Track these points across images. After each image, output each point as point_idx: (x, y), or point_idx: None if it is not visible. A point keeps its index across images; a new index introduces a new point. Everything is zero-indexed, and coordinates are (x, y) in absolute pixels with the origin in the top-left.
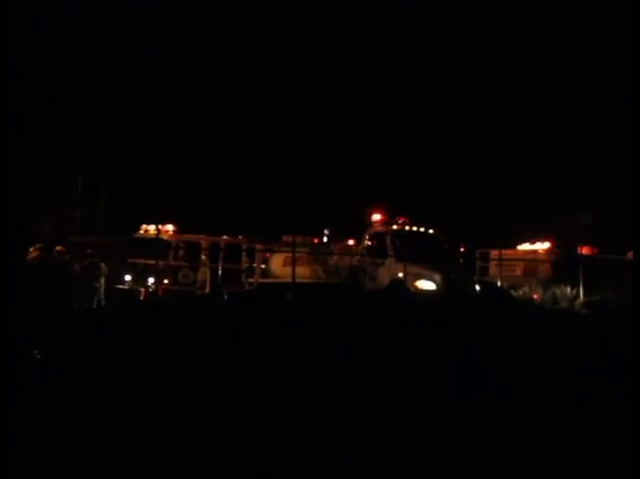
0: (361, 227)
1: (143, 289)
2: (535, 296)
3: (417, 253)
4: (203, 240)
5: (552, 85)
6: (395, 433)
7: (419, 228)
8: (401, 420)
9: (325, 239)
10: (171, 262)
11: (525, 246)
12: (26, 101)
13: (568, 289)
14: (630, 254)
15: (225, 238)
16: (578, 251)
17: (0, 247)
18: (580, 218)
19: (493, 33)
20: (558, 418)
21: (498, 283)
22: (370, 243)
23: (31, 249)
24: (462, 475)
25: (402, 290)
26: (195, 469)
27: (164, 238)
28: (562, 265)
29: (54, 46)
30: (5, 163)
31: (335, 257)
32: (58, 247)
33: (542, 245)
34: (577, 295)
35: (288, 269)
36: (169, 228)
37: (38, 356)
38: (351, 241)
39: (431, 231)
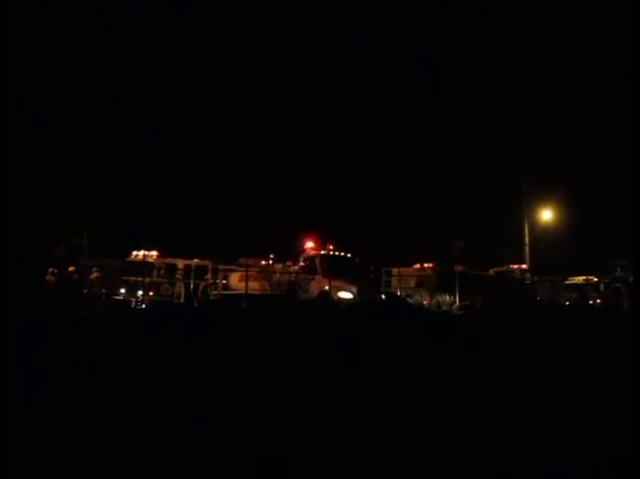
0: (297, 252)
1: (133, 299)
2: (425, 302)
3: (338, 272)
4: (179, 263)
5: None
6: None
7: (340, 252)
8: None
9: (271, 261)
10: (155, 279)
11: (417, 266)
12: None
13: (447, 297)
14: (491, 271)
15: (196, 260)
16: (454, 269)
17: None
18: (455, 244)
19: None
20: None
21: (398, 293)
22: (304, 264)
23: (49, 272)
24: None
25: (327, 299)
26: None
27: (150, 260)
28: (443, 279)
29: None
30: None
31: (278, 275)
32: (70, 268)
33: (429, 265)
34: (454, 301)
35: (243, 284)
36: (154, 253)
37: None
38: (290, 263)
39: (349, 255)
